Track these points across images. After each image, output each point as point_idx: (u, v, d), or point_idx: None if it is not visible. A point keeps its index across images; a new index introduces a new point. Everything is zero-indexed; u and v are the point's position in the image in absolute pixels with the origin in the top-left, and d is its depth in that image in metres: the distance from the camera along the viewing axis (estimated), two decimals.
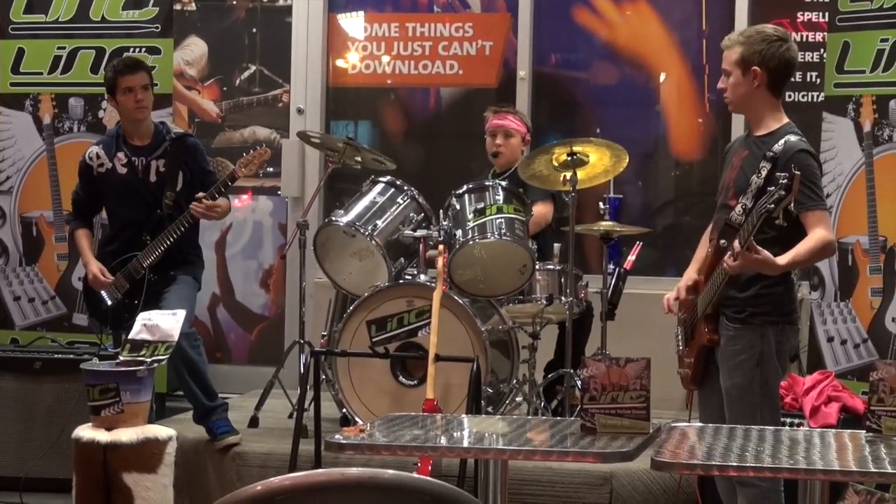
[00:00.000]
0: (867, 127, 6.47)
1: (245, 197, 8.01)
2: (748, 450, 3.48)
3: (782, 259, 4.52)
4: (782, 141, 4.69)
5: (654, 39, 7.67)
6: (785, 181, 4.32)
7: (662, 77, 7.74)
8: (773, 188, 4.37)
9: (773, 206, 4.33)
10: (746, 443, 3.58)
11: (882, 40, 6.45)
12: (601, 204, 6.56)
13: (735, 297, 4.72)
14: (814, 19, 7.32)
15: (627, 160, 6.28)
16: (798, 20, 7.35)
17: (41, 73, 7.47)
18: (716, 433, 3.79)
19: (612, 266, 6.50)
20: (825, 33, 6.99)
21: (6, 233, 7.48)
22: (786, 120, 4.84)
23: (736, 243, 4.47)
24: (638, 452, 3.51)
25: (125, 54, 6.94)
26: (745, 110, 4.95)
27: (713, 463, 3.38)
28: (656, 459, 3.35)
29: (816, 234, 4.61)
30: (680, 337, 4.98)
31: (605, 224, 6.41)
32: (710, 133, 7.71)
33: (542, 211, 6.57)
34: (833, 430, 4.02)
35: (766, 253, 4.46)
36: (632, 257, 6.60)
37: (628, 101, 7.83)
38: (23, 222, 7.47)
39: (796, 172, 4.34)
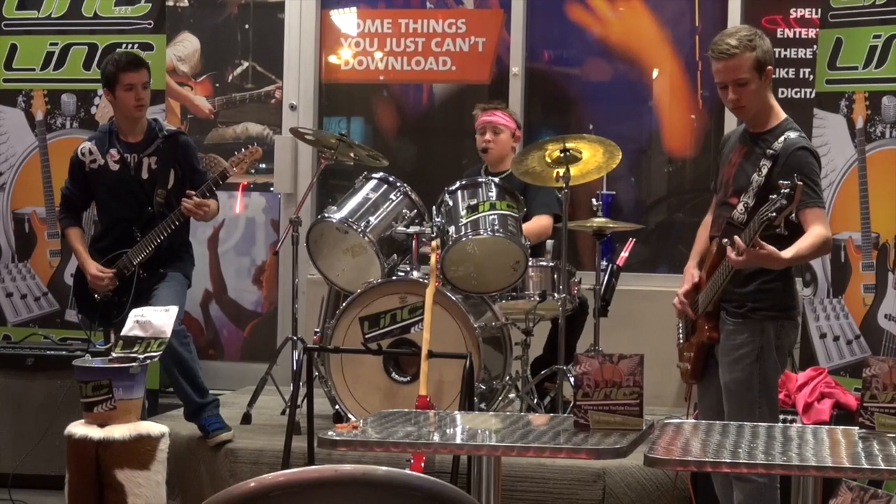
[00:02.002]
0: (860, 123, 6.47)
1: (238, 194, 8.00)
2: (741, 446, 3.48)
3: (786, 253, 4.51)
4: (782, 138, 4.68)
5: (646, 36, 7.67)
6: (787, 190, 4.29)
7: (655, 73, 7.73)
8: (774, 196, 4.33)
9: (774, 214, 4.31)
10: (740, 439, 3.58)
11: (875, 36, 6.44)
12: (594, 200, 6.56)
13: (735, 292, 4.72)
14: (806, 15, 7.31)
15: (620, 157, 6.27)
16: (791, 16, 7.35)
17: (34, 70, 7.46)
18: (709, 429, 3.79)
19: (604, 262, 6.50)
20: (817, 29, 6.99)
21: None
22: (784, 115, 4.83)
23: (739, 241, 4.45)
24: (631, 449, 3.51)
25: (118, 50, 6.91)
26: (759, 112, 4.82)
27: (706, 459, 3.38)
28: (649, 456, 3.34)
29: (815, 231, 4.60)
30: (681, 331, 4.98)
31: (598, 220, 6.41)
32: (702, 129, 7.71)
33: (545, 224, 6.56)
34: (826, 427, 4.01)
35: (772, 248, 4.44)
36: (624, 254, 6.60)
37: (621, 97, 7.83)
38: (15, 219, 7.46)
39: (798, 182, 4.30)
